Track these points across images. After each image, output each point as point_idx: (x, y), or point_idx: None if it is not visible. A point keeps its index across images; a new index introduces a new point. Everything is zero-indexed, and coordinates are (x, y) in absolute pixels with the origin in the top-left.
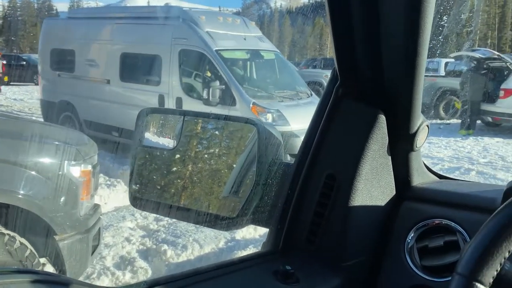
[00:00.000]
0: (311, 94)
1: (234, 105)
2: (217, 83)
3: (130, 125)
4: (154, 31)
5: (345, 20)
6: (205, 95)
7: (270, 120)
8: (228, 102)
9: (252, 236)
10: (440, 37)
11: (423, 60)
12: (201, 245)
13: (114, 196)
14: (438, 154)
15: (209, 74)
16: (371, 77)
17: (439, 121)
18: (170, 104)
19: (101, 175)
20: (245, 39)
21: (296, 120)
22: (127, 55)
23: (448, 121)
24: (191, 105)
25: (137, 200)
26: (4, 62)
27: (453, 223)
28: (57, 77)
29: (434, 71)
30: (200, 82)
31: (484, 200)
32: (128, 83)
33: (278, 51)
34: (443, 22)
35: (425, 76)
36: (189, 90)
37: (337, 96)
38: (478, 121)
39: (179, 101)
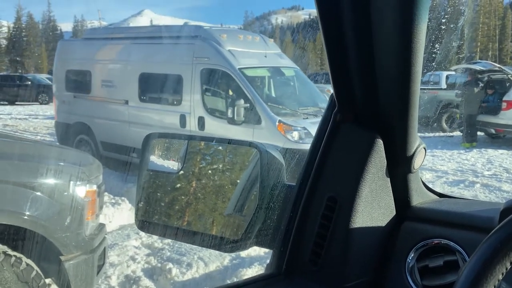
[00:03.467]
0: None
1: (259, 124)
2: (242, 101)
3: None
4: (174, 50)
5: (341, 49)
6: (229, 114)
7: (296, 138)
8: (253, 121)
9: (257, 254)
10: (433, 63)
11: (417, 87)
12: (206, 263)
13: (118, 214)
14: (441, 167)
15: (232, 92)
16: (368, 103)
17: (442, 134)
18: (192, 123)
19: (106, 193)
20: (265, 56)
21: None
22: (146, 75)
23: (451, 134)
24: (214, 124)
25: (144, 224)
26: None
27: (452, 243)
28: (72, 98)
29: (436, 84)
30: (224, 101)
31: (482, 220)
32: (148, 103)
33: (298, 67)
34: (435, 50)
35: (427, 89)
36: (212, 109)
37: (335, 122)
38: (481, 133)
39: (201, 120)
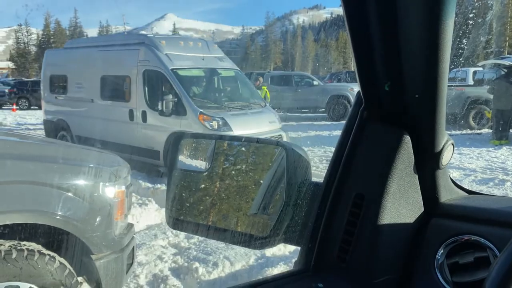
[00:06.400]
0: (265, 105)
1: (185, 115)
2: (170, 96)
3: (109, 137)
4: (125, 55)
5: (367, 47)
6: (159, 107)
7: (215, 127)
8: (180, 113)
9: (282, 253)
10: (460, 59)
11: (445, 81)
12: (231, 262)
13: (146, 214)
14: (470, 165)
15: (165, 89)
16: (394, 99)
17: (469, 131)
18: (137, 116)
19: (133, 194)
20: (203, 59)
21: (240, 127)
22: (105, 77)
23: (478, 131)
24: (152, 116)
25: (177, 222)
26: None
27: (482, 239)
28: (54, 99)
29: (462, 80)
30: (159, 97)
31: None
32: (107, 101)
33: (238, 69)
34: (463, 45)
35: (453, 85)
36: (151, 103)
37: (362, 119)
38: (511, 130)
39: (144, 113)
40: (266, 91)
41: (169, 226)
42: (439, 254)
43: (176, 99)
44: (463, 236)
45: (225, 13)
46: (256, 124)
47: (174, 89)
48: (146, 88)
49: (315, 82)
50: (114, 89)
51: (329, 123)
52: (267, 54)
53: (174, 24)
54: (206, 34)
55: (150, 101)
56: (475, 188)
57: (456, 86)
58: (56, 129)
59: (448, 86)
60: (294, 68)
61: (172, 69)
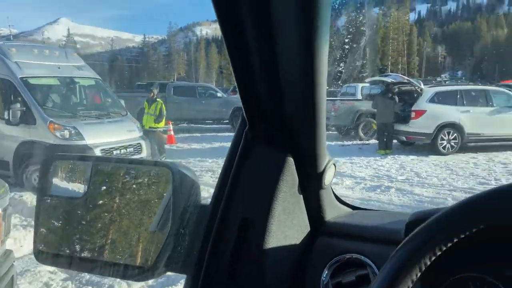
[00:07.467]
0: (126, 114)
1: (34, 124)
2: (18, 105)
3: None
4: None
5: (248, 69)
6: (6, 115)
7: (67, 136)
8: (29, 122)
9: None
10: (339, 82)
11: (323, 105)
12: (129, 284)
13: (31, 237)
14: (360, 173)
15: (13, 98)
16: (276, 121)
17: (359, 142)
18: None
19: (16, 215)
20: (59, 68)
21: (93, 136)
22: None
23: (367, 142)
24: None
25: (43, 255)
26: None
27: (362, 257)
28: None
29: (352, 95)
30: (7, 105)
31: (390, 232)
32: None
33: (99, 78)
34: (340, 68)
35: (344, 99)
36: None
37: (246, 140)
38: (394, 141)
39: None
40: (161, 104)
41: (37, 260)
42: (324, 275)
43: (24, 107)
44: (345, 255)
45: (125, 20)
46: (113, 133)
47: (23, 97)
48: None
49: (218, 94)
50: None
51: (232, 134)
52: (170, 64)
53: (68, 29)
54: (104, 41)
55: None
56: (365, 194)
57: (347, 100)
58: None
59: (340, 100)
60: (199, 79)
61: (21, 78)
